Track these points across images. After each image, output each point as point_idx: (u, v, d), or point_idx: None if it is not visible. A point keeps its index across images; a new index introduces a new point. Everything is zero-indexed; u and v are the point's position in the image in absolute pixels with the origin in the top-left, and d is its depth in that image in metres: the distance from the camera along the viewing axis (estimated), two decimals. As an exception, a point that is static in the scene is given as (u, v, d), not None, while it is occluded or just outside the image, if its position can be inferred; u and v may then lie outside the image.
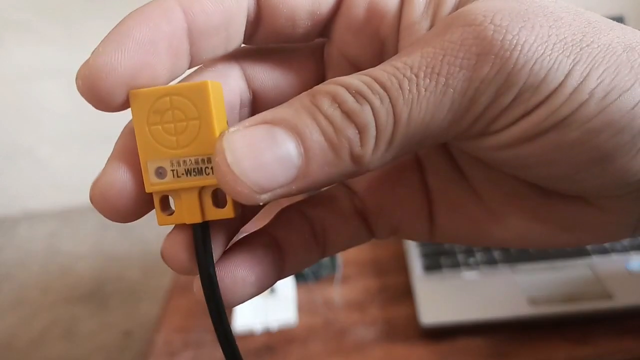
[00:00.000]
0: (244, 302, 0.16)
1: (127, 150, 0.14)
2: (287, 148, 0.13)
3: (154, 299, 1.37)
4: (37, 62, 1.60)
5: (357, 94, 0.13)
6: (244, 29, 0.15)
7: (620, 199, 0.15)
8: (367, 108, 0.13)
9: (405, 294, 0.52)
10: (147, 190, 0.14)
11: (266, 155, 0.12)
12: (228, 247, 0.16)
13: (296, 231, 0.17)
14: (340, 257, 0.58)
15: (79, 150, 1.74)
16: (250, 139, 0.13)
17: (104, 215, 0.14)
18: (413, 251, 0.55)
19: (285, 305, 0.52)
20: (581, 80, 0.13)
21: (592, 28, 0.13)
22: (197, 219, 0.14)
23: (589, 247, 0.53)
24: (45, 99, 1.65)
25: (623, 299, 0.47)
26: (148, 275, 1.48)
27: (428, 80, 0.13)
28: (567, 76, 0.13)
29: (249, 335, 0.51)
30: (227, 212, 0.14)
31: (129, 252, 1.58)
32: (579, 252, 0.53)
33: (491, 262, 0.53)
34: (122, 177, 0.14)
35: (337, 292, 0.54)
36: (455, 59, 0.13)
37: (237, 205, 0.15)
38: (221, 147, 0.13)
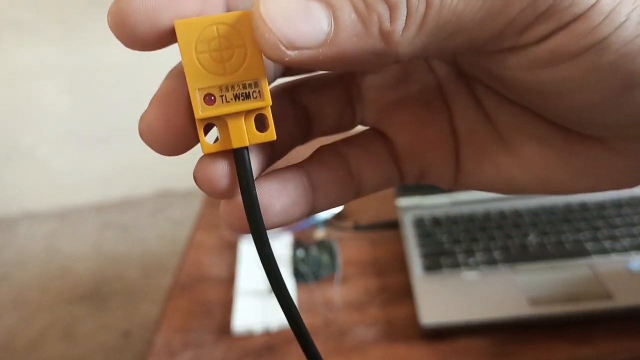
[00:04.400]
0: (267, 229, 0.16)
1: (172, 88, 0.15)
2: (319, 14, 0.13)
3: (153, 299, 1.37)
4: (37, 62, 1.60)
5: None
6: None
7: (637, 142, 0.16)
8: None
9: (405, 294, 0.52)
10: (197, 117, 0.14)
11: (297, 15, 0.13)
12: (256, 178, 0.17)
13: (330, 167, 0.18)
14: (340, 257, 0.58)
15: (79, 150, 1.74)
16: (285, 2, 0.14)
17: (152, 149, 0.15)
18: (413, 251, 0.55)
19: (285, 305, 0.52)
20: (618, 0, 0.13)
21: None
22: (244, 142, 0.15)
23: (589, 247, 0.53)
24: (45, 99, 1.65)
25: (623, 299, 0.47)
26: (148, 275, 1.48)
27: None
28: None
29: (249, 336, 0.50)
30: (270, 135, 0.15)
31: (128, 252, 1.58)
32: (579, 252, 0.53)
33: (491, 262, 0.53)
34: (167, 111, 0.15)
35: (337, 292, 0.54)
36: None
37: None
38: (257, 2, 0.14)
